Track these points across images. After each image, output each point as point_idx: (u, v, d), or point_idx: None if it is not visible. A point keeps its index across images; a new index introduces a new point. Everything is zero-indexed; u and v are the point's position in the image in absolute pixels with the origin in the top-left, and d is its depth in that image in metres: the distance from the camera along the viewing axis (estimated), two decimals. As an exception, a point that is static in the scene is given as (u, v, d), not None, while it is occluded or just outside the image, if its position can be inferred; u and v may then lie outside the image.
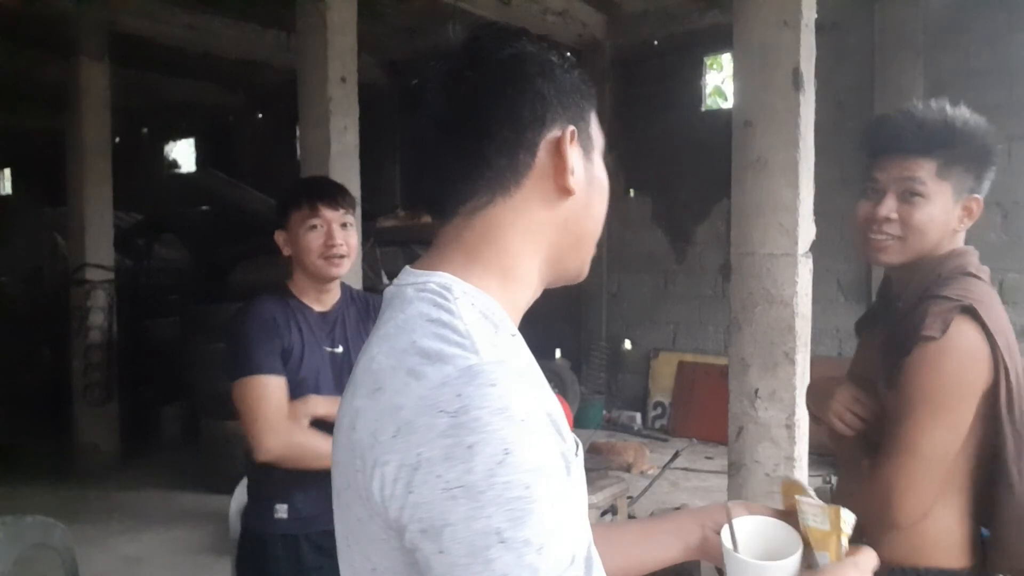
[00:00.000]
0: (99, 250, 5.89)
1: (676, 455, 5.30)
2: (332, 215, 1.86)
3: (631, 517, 3.55)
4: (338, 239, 1.84)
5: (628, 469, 5.26)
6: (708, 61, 7.02)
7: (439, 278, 0.76)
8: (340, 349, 1.88)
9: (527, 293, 0.81)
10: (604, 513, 3.14)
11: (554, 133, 0.79)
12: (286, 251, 1.94)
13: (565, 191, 0.79)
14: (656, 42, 6.99)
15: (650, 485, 4.75)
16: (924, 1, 5.51)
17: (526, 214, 0.79)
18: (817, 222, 2.97)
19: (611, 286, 7.24)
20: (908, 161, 1.32)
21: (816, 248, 2.94)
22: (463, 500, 0.61)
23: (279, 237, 1.95)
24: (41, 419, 6.47)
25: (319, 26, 4.18)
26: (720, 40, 6.02)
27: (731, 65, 3.85)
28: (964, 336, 1.23)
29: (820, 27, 2.94)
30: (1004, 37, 5.38)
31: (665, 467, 5.14)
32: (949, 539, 1.30)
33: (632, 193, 7.26)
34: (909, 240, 1.32)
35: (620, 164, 7.13)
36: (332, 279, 1.90)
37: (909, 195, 1.32)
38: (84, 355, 5.84)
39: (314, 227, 1.85)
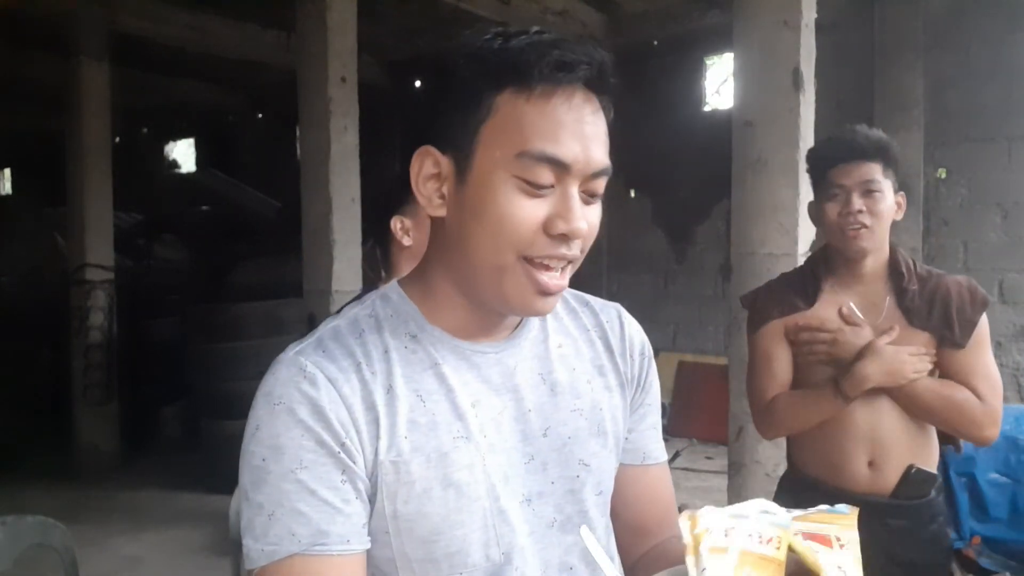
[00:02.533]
0: (99, 250, 5.88)
1: (676, 455, 5.30)
2: None
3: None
4: None
5: (628, 469, 5.25)
6: (709, 61, 7.02)
7: (390, 284, 0.88)
8: None
9: (453, 309, 0.83)
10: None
11: (416, 158, 0.80)
12: (406, 241, 1.72)
13: (433, 216, 0.82)
14: (656, 42, 6.99)
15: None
16: (924, 1, 5.51)
17: (434, 238, 0.85)
18: (817, 222, 2.97)
19: (611, 286, 7.24)
20: (865, 165, 1.69)
21: (816, 248, 2.94)
22: (240, 458, 0.77)
23: (397, 224, 1.73)
24: (41, 419, 6.47)
25: (319, 26, 4.18)
26: (720, 40, 6.02)
27: (731, 65, 3.85)
28: None
29: (820, 27, 2.94)
30: (1004, 37, 5.38)
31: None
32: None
33: (632, 193, 7.26)
34: (876, 227, 1.68)
35: (620, 164, 7.13)
36: None
37: (869, 192, 1.68)
38: (84, 355, 5.84)
39: None
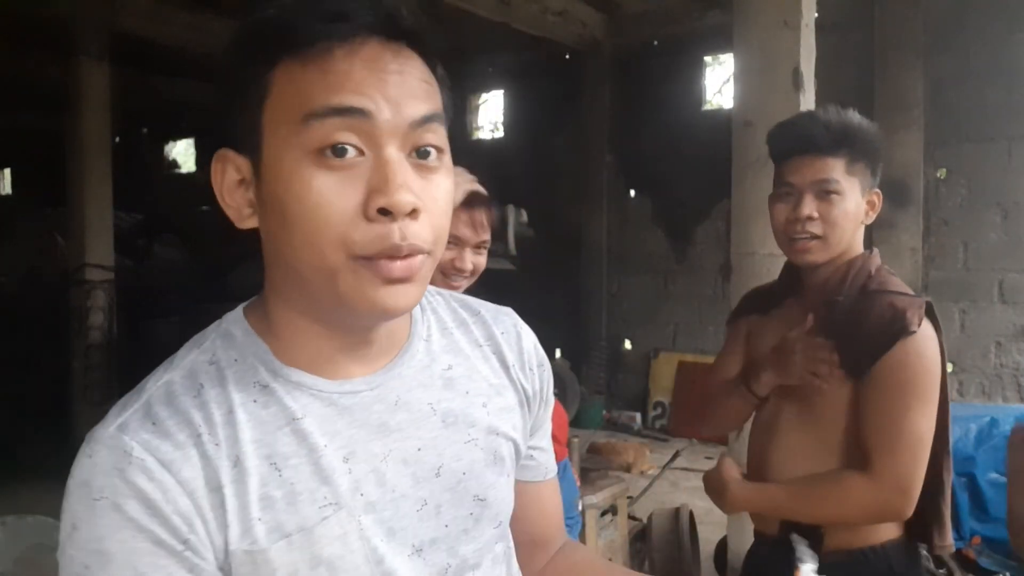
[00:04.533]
0: (99, 250, 5.89)
1: (676, 455, 5.30)
2: None
3: (631, 518, 3.56)
4: None
5: (628, 469, 5.26)
6: (709, 61, 7.03)
7: (232, 314, 0.73)
8: None
9: (308, 340, 0.68)
10: (604, 513, 3.14)
11: (215, 164, 0.67)
12: None
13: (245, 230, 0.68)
14: (656, 42, 7.00)
15: (650, 485, 4.75)
16: (924, 1, 5.51)
17: (264, 256, 0.70)
18: (817, 222, 2.97)
19: (611, 286, 7.24)
20: (820, 161, 1.38)
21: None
22: (58, 556, 0.63)
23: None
24: (41, 419, 6.47)
25: (319, 26, 4.18)
26: (720, 40, 6.02)
27: (731, 65, 3.86)
28: (929, 327, 1.36)
29: (820, 27, 2.94)
30: (1004, 37, 5.39)
31: (665, 467, 5.14)
32: None
33: (632, 193, 7.26)
34: (830, 238, 1.39)
35: (620, 164, 7.15)
36: None
37: (825, 193, 1.38)
38: (84, 355, 5.85)
39: None
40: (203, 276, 7.13)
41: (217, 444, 0.64)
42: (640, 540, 3.43)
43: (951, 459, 1.45)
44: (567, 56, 7.22)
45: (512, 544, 0.84)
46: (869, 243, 1.55)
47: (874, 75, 5.63)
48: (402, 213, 0.60)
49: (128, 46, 6.12)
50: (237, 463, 0.64)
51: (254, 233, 0.70)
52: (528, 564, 0.89)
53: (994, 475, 3.35)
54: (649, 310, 7.08)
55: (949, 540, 1.44)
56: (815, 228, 1.38)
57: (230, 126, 0.65)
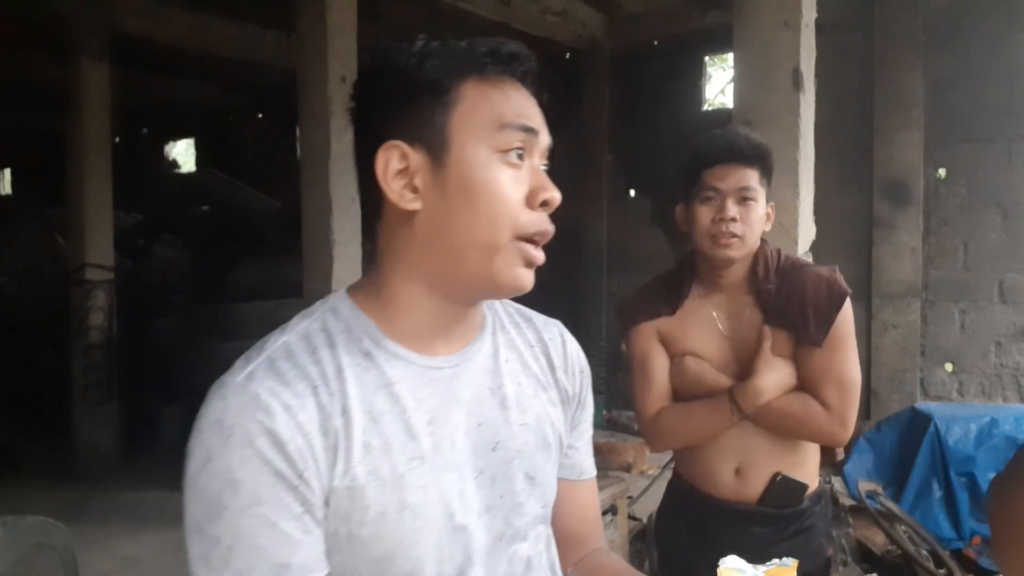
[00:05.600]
0: (99, 250, 5.88)
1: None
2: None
3: (631, 518, 3.56)
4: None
5: (628, 469, 5.26)
6: (709, 61, 7.02)
7: (336, 294, 0.86)
8: None
9: (414, 314, 0.82)
10: (604, 513, 3.14)
11: (382, 154, 0.80)
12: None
13: (405, 210, 0.80)
14: (656, 42, 6.99)
15: (650, 485, 4.75)
16: (924, 1, 5.51)
17: (393, 240, 0.82)
18: (817, 222, 2.97)
19: (611, 286, 7.24)
20: (743, 170, 1.58)
21: (816, 248, 2.94)
22: (185, 490, 0.75)
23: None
24: (41, 419, 6.47)
25: (319, 26, 4.17)
26: (720, 40, 6.02)
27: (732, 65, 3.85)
28: None
29: (820, 27, 2.94)
30: (1004, 37, 5.38)
31: (665, 467, 5.13)
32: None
33: (632, 193, 7.26)
34: (748, 237, 1.58)
35: (620, 164, 7.14)
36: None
37: (744, 199, 1.57)
38: (84, 355, 5.84)
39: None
40: (203, 276, 7.13)
41: (330, 395, 0.76)
42: (640, 540, 3.43)
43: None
44: (567, 56, 7.22)
45: (552, 534, 0.95)
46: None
47: (874, 75, 5.63)
48: (555, 206, 0.81)
49: (128, 46, 6.11)
50: (345, 412, 0.76)
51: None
52: (561, 560, 0.97)
53: (994, 475, 3.35)
54: (649, 310, 7.06)
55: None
56: (736, 228, 1.56)
57: (405, 123, 0.79)
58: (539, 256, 0.80)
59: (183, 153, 11.54)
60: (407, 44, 0.80)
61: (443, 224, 0.79)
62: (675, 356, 1.66)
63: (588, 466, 1.02)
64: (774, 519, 1.63)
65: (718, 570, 0.81)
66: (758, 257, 1.63)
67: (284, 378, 0.75)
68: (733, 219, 1.55)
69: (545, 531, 0.92)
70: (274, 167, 8.82)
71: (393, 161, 0.79)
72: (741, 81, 2.99)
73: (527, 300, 0.93)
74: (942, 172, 5.61)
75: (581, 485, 1.01)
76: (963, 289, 5.52)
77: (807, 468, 1.66)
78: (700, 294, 1.67)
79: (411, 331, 0.82)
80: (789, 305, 1.58)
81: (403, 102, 0.80)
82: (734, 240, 1.56)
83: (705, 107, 7.03)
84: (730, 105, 5.87)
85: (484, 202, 0.77)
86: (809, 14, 2.85)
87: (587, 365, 1.01)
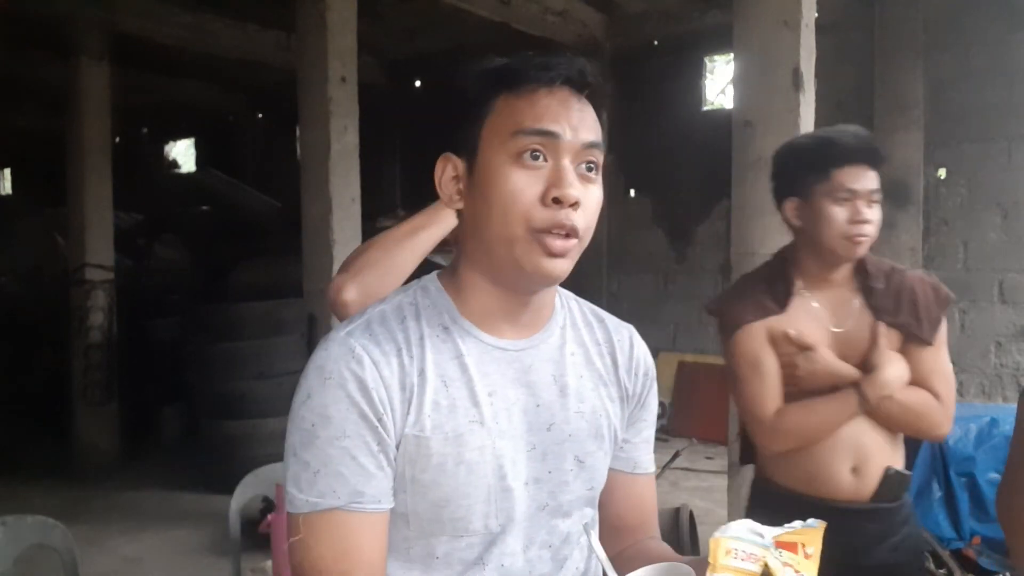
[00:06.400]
0: (99, 250, 5.88)
1: (676, 455, 5.30)
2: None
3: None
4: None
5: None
6: (709, 61, 7.02)
7: (429, 276, 0.99)
8: None
9: (479, 298, 0.94)
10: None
11: (439, 164, 0.94)
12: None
13: (459, 210, 0.94)
14: (656, 42, 6.99)
15: (650, 485, 4.75)
16: (924, 1, 5.51)
17: (460, 234, 0.97)
18: (817, 222, 2.97)
19: (611, 286, 7.24)
20: (871, 173, 1.62)
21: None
22: (289, 422, 0.89)
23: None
24: (41, 419, 6.47)
25: (319, 26, 4.18)
26: (720, 40, 6.02)
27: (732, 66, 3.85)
28: None
29: (820, 27, 2.94)
30: (1004, 37, 5.38)
31: (665, 467, 5.14)
32: None
33: (632, 193, 7.26)
34: (873, 238, 1.62)
35: (620, 164, 7.14)
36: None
37: (872, 201, 1.62)
38: (84, 355, 5.84)
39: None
40: (203, 276, 7.12)
41: (411, 358, 0.89)
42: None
43: None
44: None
45: (598, 520, 1.04)
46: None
47: (874, 75, 5.63)
48: (568, 203, 0.85)
49: (128, 46, 6.11)
50: (421, 373, 0.89)
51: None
52: (608, 545, 1.02)
53: (994, 475, 3.34)
54: (649, 310, 7.07)
55: None
56: (868, 230, 1.60)
57: (454, 136, 0.92)
58: (558, 245, 0.86)
59: (183, 153, 11.53)
60: (463, 66, 0.92)
61: (476, 220, 0.91)
62: (782, 354, 1.66)
63: (644, 461, 1.10)
64: (887, 514, 1.66)
65: (713, 540, 0.78)
66: (865, 257, 1.68)
67: (376, 338, 0.89)
68: (866, 221, 1.60)
69: (591, 513, 1.02)
70: (274, 167, 8.82)
71: (448, 169, 0.93)
72: (741, 81, 2.99)
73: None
74: (942, 172, 5.61)
75: (637, 478, 1.09)
76: (963, 289, 5.52)
77: (902, 461, 1.70)
78: (804, 290, 1.69)
79: (480, 313, 0.94)
80: (899, 305, 1.65)
81: (452, 119, 0.94)
82: (865, 240, 1.61)
83: (705, 107, 7.03)
84: (730, 105, 5.87)
85: (497, 200, 0.87)
86: (809, 14, 2.85)
87: (653, 367, 1.09)
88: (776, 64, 2.84)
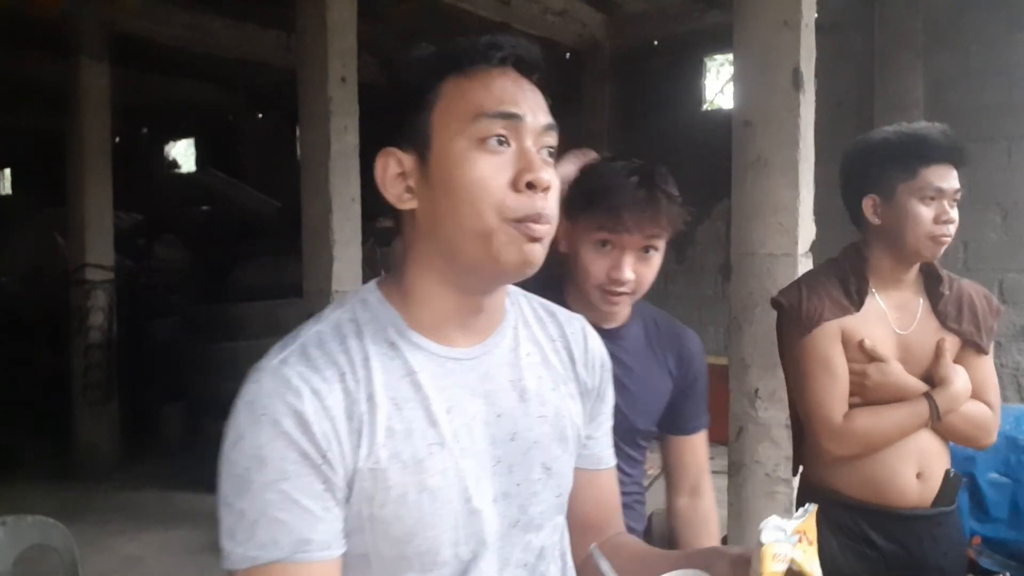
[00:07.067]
0: (99, 250, 5.88)
1: (676, 455, 5.28)
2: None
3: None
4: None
5: (628, 469, 5.26)
6: (709, 61, 7.02)
7: (367, 286, 0.91)
8: None
9: (431, 306, 0.86)
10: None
11: (379, 161, 0.86)
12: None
13: (408, 210, 0.85)
14: (656, 42, 6.99)
15: (650, 485, 4.74)
16: (924, 1, 5.51)
17: (406, 237, 0.88)
18: (817, 222, 2.97)
19: (611, 286, 7.23)
20: (954, 172, 1.60)
21: (816, 248, 2.94)
22: (219, 469, 0.79)
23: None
24: (41, 419, 6.47)
25: (319, 26, 4.17)
26: (720, 40, 6.01)
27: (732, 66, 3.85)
28: None
29: (820, 27, 2.93)
30: (1004, 37, 5.38)
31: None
32: None
33: (632, 193, 7.25)
34: (951, 239, 1.60)
35: (620, 164, 7.12)
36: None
37: (954, 201, 1.60)
38: (84, 355, 5.84)
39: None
40: (203, 276, 7.12)
41: (357, 382, 0.80)
42: (646, 537, 3.42)
43: None
44: (567, 56, 7.22)
45: (567, 525, 0.98)
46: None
47: (874, 75, 5.63)
48: (541, 187, 0.80)
49: (128, 46, 6.11)
50: (370, 399, 0.80)
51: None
52: (575, 547, 1.00)
53: (994, 475, 3.34)
54: (649, 310, 7.06)
55: None
56: (951, 230, 1.58)
57: (397, 128, 0.84)
58: (539, 230, 0.80)
59: (183, 153, 11.54)
60: (397, 56, 0.87)
61: (435, 217, 0.82)
62: (851, 360, 1.63)
63: (607, 456, 1.04)
64: (945, 518, 1.66)
65: (763, 548, 0.78)
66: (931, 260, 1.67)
67: (314, 364, 0.80)
68: (952, 221, 1.58)
69: (561, 521, 0.96)
70: (274, 167, 8.82)
71: (391, 166, 0.84)
72: (741, 81, 2.99)
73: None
74: (942, 172, 5.61)
75: (600, 474, 1.04)
76: (963, 289, 5.52)
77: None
78: (873, 290, 1.66)
79: (431, 322, 0.86)
80: (961, 312, 1.65)
81: (393, 111, 0.85)
82: (947, 241, 1.59)
83: (705, 107, 7.03)
84: (729, 105, 5.87)
85: (464, 191, 0.80)
86: (809, 14, 2.85)
87: (608, 359, 1.03)
88: (776, 64, 2.83)
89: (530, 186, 0.80)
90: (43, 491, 5.13)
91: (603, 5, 6.80)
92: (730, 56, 6.05)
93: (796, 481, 2.86)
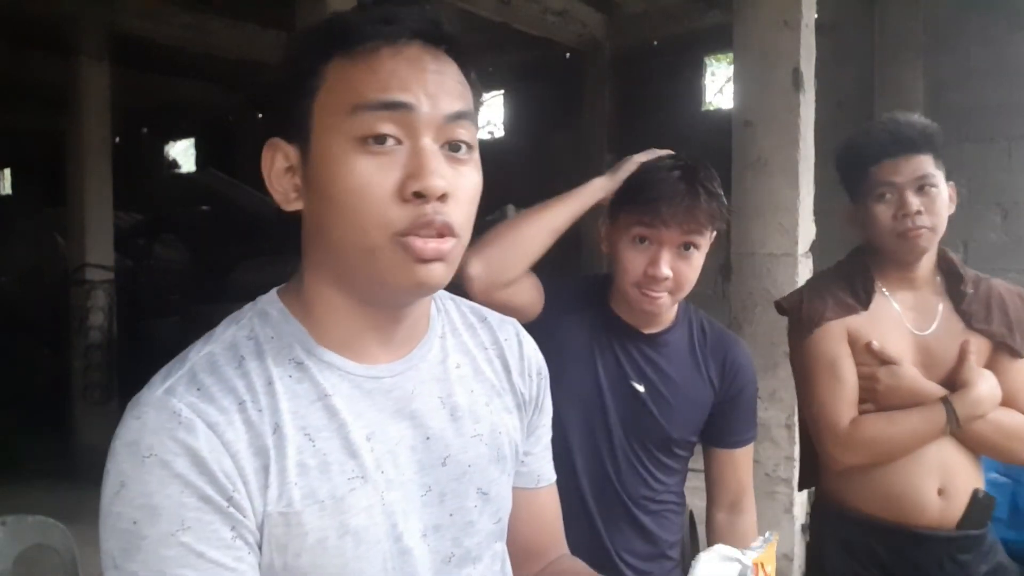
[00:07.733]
0: (99, 250, 5.88)
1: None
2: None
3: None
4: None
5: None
6: (709, 61, 7.02)
7: (267, 296, 0.77)
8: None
9: (338, 318, 0.73)
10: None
11: (265, 154, 0.73)
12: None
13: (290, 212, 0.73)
14: (656, 42, 6.99)
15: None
16: (924, 1, 5.51)
17: (301, 240, 0.75)
18: (817, 222, 2.97)
19: (611, 286, 7.24)
20: (915, 159, 1.51)
21: (816, 248, 2.94)
22: (100, 524, 0.65)
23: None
24: (41, 419, 6.47)
25: (319, 26, 4.17)
26: (720, 40, 6.02)
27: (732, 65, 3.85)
28: None
29: (820, 27, 2.94)
30: (1004, 37, 5.38)
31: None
32: None
33: (632, 193, 7.26)
34: (937, 227, 1.51)
35: (620, 164, 7.13)
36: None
37: (922, 188, 1.51)
38: (84, 355, 5.84)
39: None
40: (203, 276, 7.12)
41: (260, 411, 0.67)
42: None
43: None
44: (567, 56, 7.22)
45: (507, 552, 0.87)
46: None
47: (874, 75, 5.63)
48: (434, 196, 0.66)
49: (128, 46, 6.11)
50: (277, 430, 0.68)
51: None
52: (518, 571, 0.89)
53: (994, 475, 3.33)
54: (649, 310, 7.07)
55: None
56: (923, 220, 1.48)
57: (282, 117, 0.71)
58: (430, 248, 0.67)
59: (183, 153, 11.54)
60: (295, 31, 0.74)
61: (320, 225, 0.70)
62: (860, 364, 1.52)
63: (547, 472, 0.93)
64: (974, 542, 1.49)
65: (698, 566, 0.73)
66: (950, 257, 1.58)
67: (207, 393, 0.67)
68: (918, 212, 1.48)
69: (501, 548, 0.85)
70: (274, 167, 8.80)
71: (278, 160, 0.72)
72: (741, 81, 2.99)
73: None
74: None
75: (540, 492, 0.92)
76: (963, 289, 5.52)
77: (983, 484, 1.54)
78: (885, 290, 1.56)
79: (342, 337, 0.73)
80: (990, 312, 1.52)
81: (278, 95, 0.73)
82: (923, 231, 1.48)
83: (704, 107, 7.03)
84: (729, 105, 5.87)
85: (342, 200, 0.66)
86: (809, 14, 2.85)
87: (544, 366, 0.91)
88: (776, 64, 2.83)
89: (417, 195, 0.66)
90: (43, 491, 5.13)
91: (603, 5, 6.80)
92: (730, 56, 6.05)
93: (800, 496, 2.85)
